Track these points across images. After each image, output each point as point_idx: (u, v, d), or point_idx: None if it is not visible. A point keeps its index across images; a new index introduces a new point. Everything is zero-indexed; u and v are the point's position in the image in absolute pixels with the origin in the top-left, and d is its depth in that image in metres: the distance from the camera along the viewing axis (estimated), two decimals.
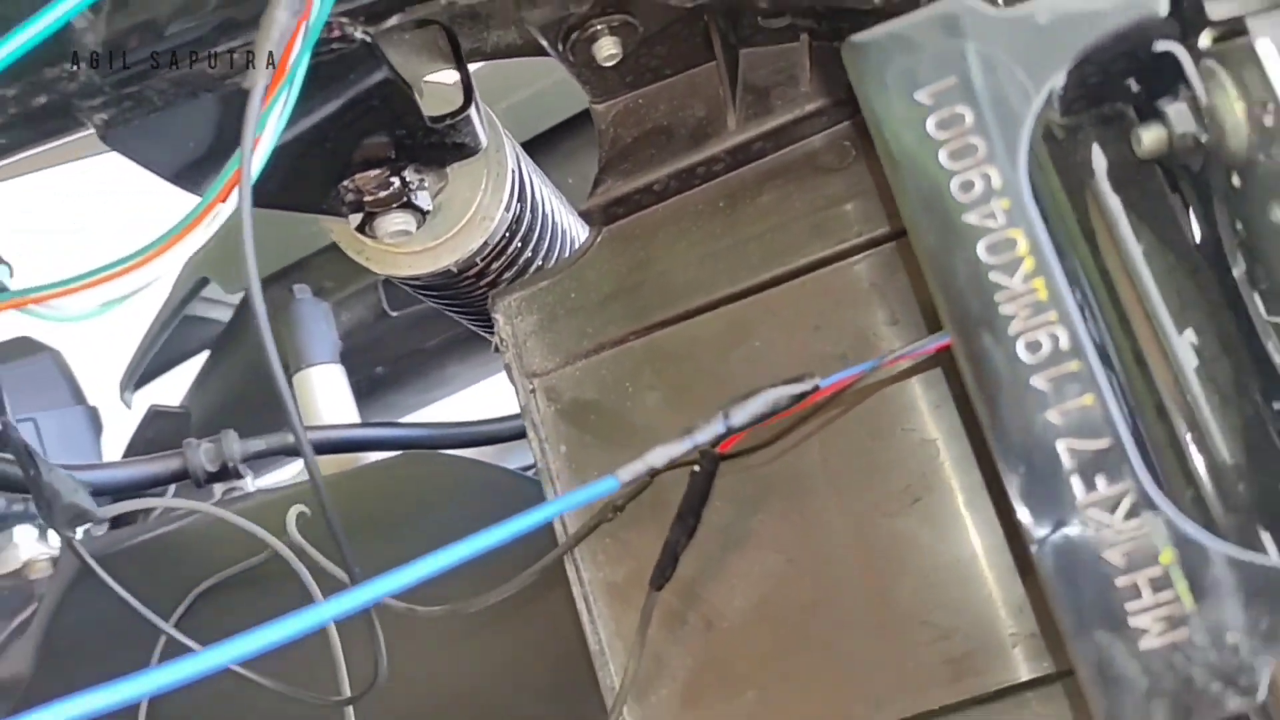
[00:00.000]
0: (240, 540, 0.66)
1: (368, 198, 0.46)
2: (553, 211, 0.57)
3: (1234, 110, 0.31)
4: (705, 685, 0.45)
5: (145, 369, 1.09)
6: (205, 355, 1.08)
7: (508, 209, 0.51)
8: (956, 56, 0.30)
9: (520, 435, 0.94)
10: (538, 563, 0.45)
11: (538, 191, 0.55)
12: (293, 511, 0.63)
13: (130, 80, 0.40)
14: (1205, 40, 0.32)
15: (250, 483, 0.92)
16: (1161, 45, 0.32)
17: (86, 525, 0.92)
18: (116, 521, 0.97)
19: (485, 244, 0.51)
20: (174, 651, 0.75)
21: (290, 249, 0.96)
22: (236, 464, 0.88)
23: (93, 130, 0.42)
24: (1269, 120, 0.29)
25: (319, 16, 0.34)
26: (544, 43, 0.43)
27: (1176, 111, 0.32)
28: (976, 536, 0.42)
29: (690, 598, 0.45)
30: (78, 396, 0.99)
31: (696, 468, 0.43)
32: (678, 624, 0.45)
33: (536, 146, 0.87)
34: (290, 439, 0.90)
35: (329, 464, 0.91)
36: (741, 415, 0.36)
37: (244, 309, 1.04)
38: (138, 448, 1.00)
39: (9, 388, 0.85)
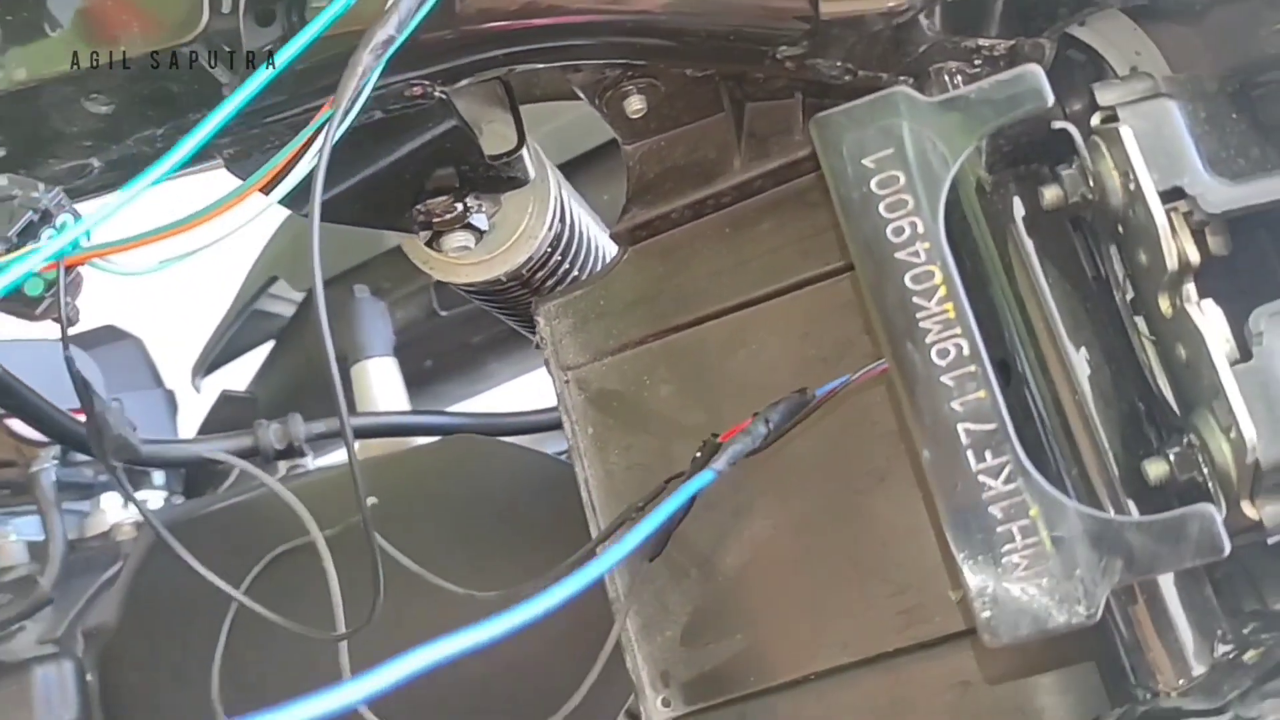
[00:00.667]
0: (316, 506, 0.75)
1: (435, 219, 0.56)
2: (586, 230, 0.67)
3: (1112, 176, 0.40)
4: (702, 627, 0.54)
5: (215, 357, 1.20)
6: (270, 345, 1.18)
7: (550, 229, 0.61)
8: (895, 132, 0.39)
9: (552, 426, 1.04)
10: (579, 551, 0.54)
11: (574, 213, 0.65)
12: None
13: (256, 126, 0.50)
14: (1095, 120, 0.41)
15: (311, 461, 1.02)
16: (1058, 124, 0.41)
17: (135, 466, 1.00)
18: (191, 491, 1.08)
19: (530, 258, 0.61)
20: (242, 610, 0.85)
21: (352, 253, 1.06)
22: (301, 444, 0.98)
23: (219, 159, 0.52)
24: (1132, 186, 0.39)
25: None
26: (583, 97, 0.53)
27: (1070, 176, 0.41)
28: (926, 510, 0.51)
29: (691, 555, 0.54)
30: (157, 380, 1.10)
31: (698, 454, 0.52)
32: (681, 576, 0.54)
33: (575, 167, 0.97)
34: (350, 422, 1.00)
35: (383, 445, 1.01)
36: (774, 419, 0.48)
37: (307, 305, 1.14)
38: (210, 428, 1.11)
39: (121, 363, 0.96)
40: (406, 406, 1.04)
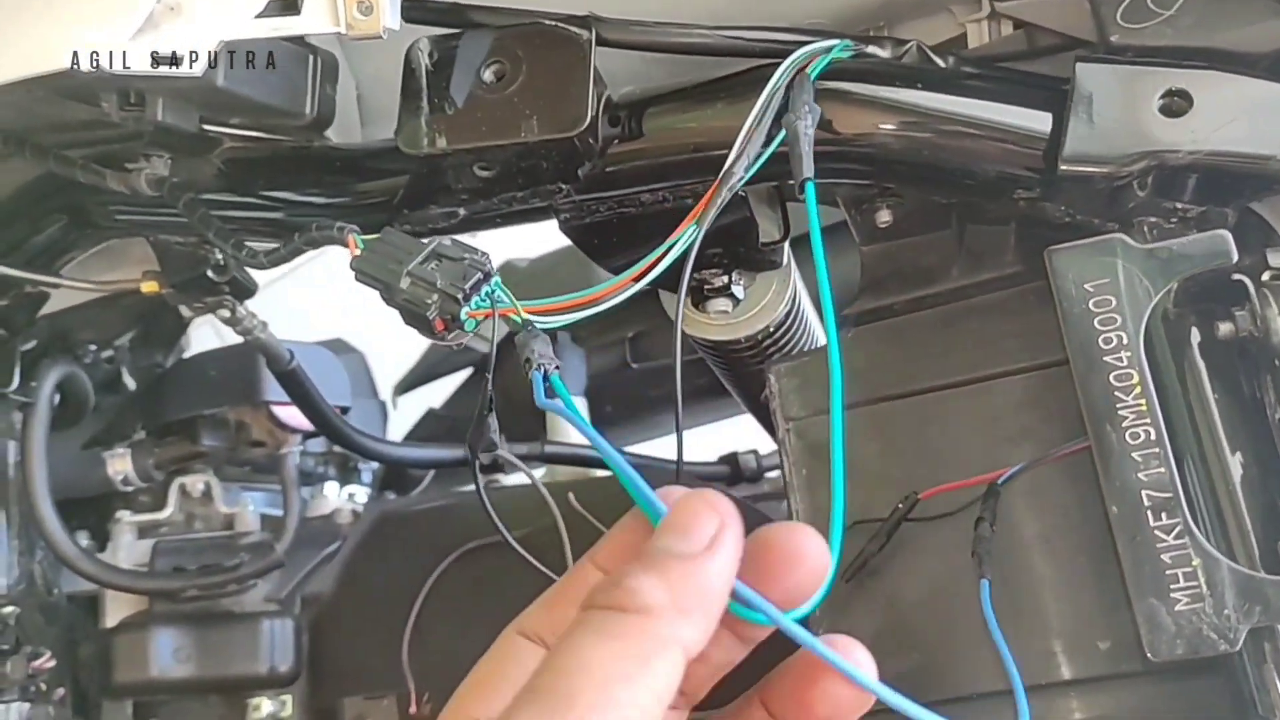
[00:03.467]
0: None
1: (706, 286, 0.70)
2: (806, 309, 0.80)
3: (1277, 321, 0.52)
4: (883, 644, 0.65)
5: (416, 378, 1.36)
6: (467, 372, 1.34)
7: (785, 305, 0.74)
8: (1111, 266, 0.52)
9: (718, 479, 1.17)
10: None
11: (801, 295, 0.79)
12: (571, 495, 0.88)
13: (593, 198, 0.65)
14: (1265, 276, 0.53)
15: (505, 479, 1.17)
16: (1237, 276, 0.53)
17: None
18: (399, 491, 1.23)
19: (766, 327, 0.74)
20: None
21: None
22: (505, 461, 1.13)
23: (554, 219, 0.67)
24: None
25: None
26: (841, 207, 0.67)
27: (1242, 316, 0.53)
28: (1088, 570, 0.62)
29: (881, 580, 0.66)
30: (374, 391, 1.27)
31: (899, 505, 0.65)
32: (869, 597, 0.66)
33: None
34: (543, 448, 1.15)
35: (566, 472, 1.15)
36: (989, 516, 0.60)
37: (505, 341, 1.30)
38: (413, 439, 1.27)
39: (349, 373, 1.12)
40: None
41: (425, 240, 0.53)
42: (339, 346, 1.25)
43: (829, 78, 0.60)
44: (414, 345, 1.37)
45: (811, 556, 0.38)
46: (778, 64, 0.58)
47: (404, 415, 1.39)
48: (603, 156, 0.63)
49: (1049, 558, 0.64)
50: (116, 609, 1.02)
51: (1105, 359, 0.50)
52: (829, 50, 0.58)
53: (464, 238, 0.71)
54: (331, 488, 1.15)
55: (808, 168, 0.53)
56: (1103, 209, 0.57)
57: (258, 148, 0.72)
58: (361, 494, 1.20)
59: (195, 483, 1.08)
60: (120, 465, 1.05)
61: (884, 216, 0.66)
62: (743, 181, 0.56)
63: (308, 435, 1.08)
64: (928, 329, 0.69)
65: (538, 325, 0.57)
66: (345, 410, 1.07)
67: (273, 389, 1.01)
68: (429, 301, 0.50)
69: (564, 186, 0.64)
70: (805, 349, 0.81)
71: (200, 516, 1.09)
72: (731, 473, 1.17)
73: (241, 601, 1.01)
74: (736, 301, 0.72)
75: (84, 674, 0.98)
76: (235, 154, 0.72)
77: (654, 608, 0.34)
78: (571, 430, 1.20)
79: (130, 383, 1.13)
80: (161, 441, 1.07)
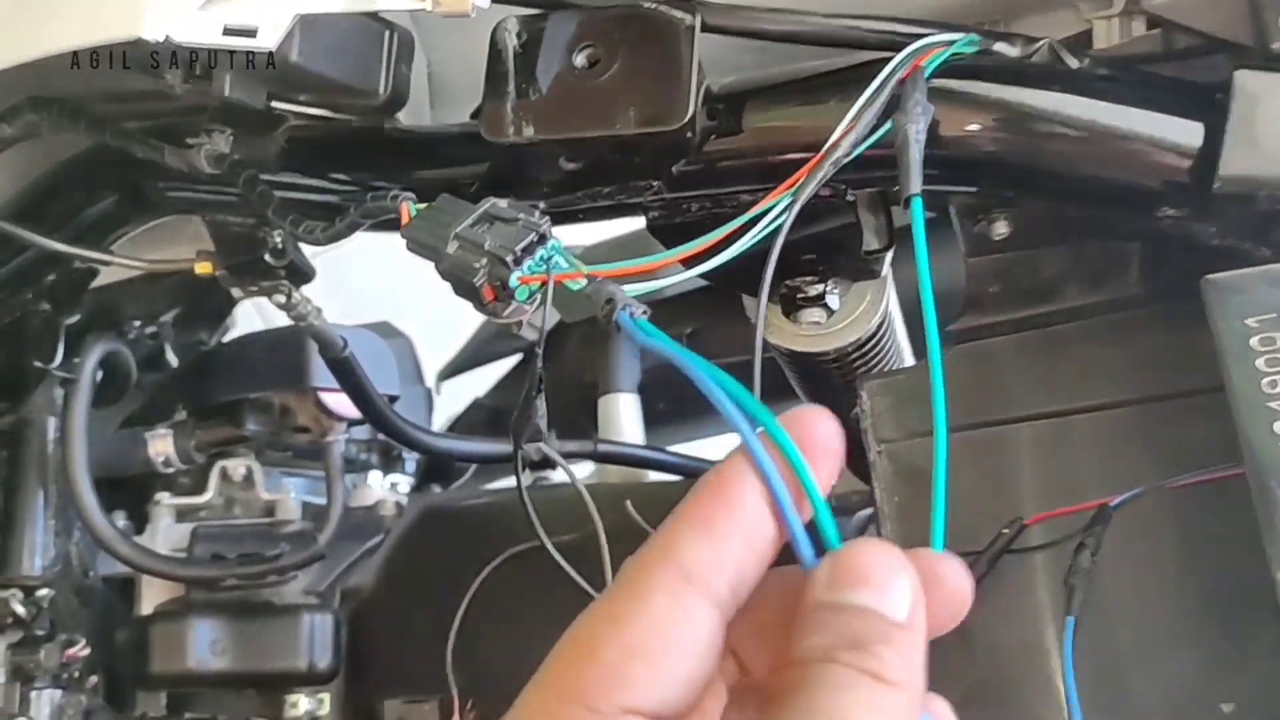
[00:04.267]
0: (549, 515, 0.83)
1: (799, 294, 0.65)
2: (896, 324, 0.75)
3: None
4: (974, 696, 0.61)
5: (460, 365, 1.32)
6: (514, 360, 1.30)
7: (879, 319, 0.69)
8: (1276, 300, 0.47)
9: None
10: None
11: (893, 310, 0.74)
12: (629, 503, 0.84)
13: (686, 197, 0.60)
14: None
15: (554, 475, 1.12)
16: None
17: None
18: (442, 482, 1.20)
19: (856, 340, 0.69)
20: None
21: None
22: (554, 458, 1.08)
23: (643, 216, 0.63)
24: None
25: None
26: (952, 214, 0.62)
27: None
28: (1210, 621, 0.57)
29: (970, 636, 0.61)
30: (420, 377, 1.23)
31: (1005, 530, 0.60)
32: (969, 648, 0.61)
33: None
34: (593, 446, 1.10)
35: (618, 473, 1.11)
36: (1092, 544, 0.55)
37: (556, 331, 1.25)
38: (458, 430, 1.23)
39: (397, 359, 1.08)
40: (643, 441, 1.13)
41: (479, 204, 0.47)
42: (386, 330, 1.21)
43: (952, 75, 0.54)
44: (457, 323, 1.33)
45: (962, 593, 0.36)
46: (893, 59, 0.53)
47: (448, 400, 1.35)
48: (699, 152, 0.58)
49: (1163, 604, 0.59)
50: (152, 594, 0.99)
51: (1270, 405, 0.45)
52: (950, 44, 0.53)
53: None
54: (375, 477, 1.11)
55: (915, 182, 0.48)
56: (1256, 233, 0.52)
57: (324, 127, 0.67)
58: (405, 483, 1.16)
59: (237, 467, 1.04)
60: (161, 446, 1.02)
61: (1001, 228, 0.60)
62: (849, 158, 0.50)
63: (353, 423, 1.04)
64: (1034, 352, 0.64)
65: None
66: (394, 399, 1.03)
67: (321, 375, 0.98)
68: (476, 266, 0.45)
69: (655, 183, 0.59)
70: (891, 365, 0.76)
71: (240, 501, 1.05)
72: None
73: (281, 593, 0.98)
74: (830, 312, 0.67)
75: (118, 661, 0.95)
76: (300, 133, 0.68)
77: (904, 684, 0.32)
78: (625, 429, 1.15)
79: (173, 360, 1.10)
80: (204, 423, 1.03)
